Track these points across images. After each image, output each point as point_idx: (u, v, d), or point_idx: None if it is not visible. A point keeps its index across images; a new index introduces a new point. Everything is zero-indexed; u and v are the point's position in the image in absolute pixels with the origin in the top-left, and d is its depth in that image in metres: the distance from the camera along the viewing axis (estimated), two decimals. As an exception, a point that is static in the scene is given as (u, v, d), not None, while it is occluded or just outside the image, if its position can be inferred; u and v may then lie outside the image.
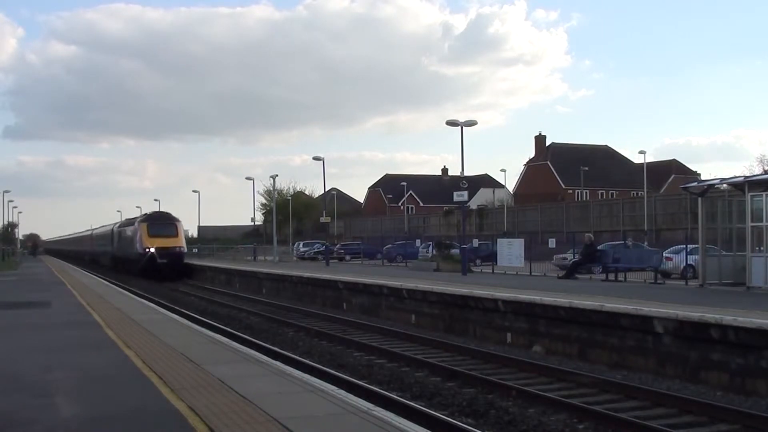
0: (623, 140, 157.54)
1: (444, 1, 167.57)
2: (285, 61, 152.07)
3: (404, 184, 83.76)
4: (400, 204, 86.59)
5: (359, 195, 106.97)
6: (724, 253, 19.84)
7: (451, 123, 30.00)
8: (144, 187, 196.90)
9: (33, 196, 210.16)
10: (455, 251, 33.11)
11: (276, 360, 10.90)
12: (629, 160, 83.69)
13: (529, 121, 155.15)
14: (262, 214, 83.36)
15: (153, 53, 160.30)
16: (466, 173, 30.90)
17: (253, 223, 70.75)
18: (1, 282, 31.34)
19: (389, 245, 48.17)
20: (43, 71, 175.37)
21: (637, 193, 61.89)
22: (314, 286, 28.83)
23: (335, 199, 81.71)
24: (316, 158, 47.21)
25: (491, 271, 29.99)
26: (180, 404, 7.21)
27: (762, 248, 18.15)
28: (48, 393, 7.95)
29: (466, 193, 29.02)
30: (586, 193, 76.04)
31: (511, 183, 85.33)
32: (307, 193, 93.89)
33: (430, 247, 41.11)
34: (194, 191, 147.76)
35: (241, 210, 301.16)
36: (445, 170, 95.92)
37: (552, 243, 36.23)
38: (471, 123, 30.24)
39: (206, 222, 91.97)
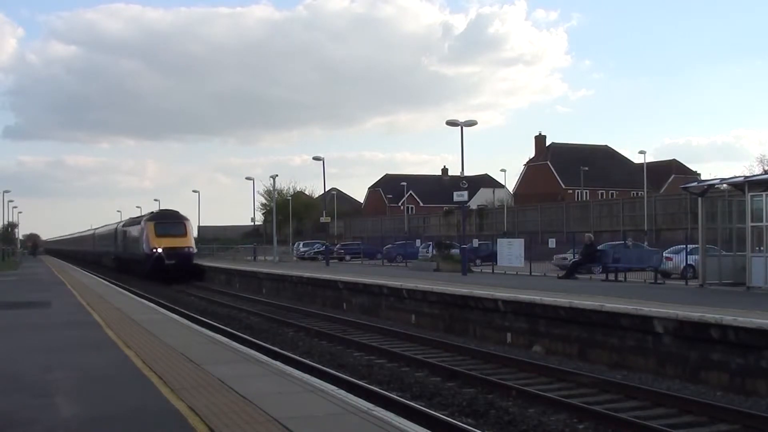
0: (623, 140, 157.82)
1: (444, 1, 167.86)
2: (285, 61, 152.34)
3: (404, 184, 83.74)
4: (400, 204, 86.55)
5: (359, 195, 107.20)
6: (724, 253, 19.84)
7: (451, 123, 30.00)
8: (144, 187, 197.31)
9: (33, 196, 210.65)
10: (455, 251, 33.11)
11: (276, 360, 10.90)
12: (629, 160, 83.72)
13: (529, 121, 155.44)
14: (262, 214, 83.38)
15: (153, 53, 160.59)
16: (466, 173, 30.92)
17: (253, 223, 70.79)
18: (1, 282, 31.34)
19: (389, 245, 48.15)
20: (43, 71, 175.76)
21: (637, 193, 61.88)
22: (314, 286, 28.83)
23: (335, 199, 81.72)
24: (316, 158, 47.31)
25: (491, 271, 29.99)
26: (180, 404, 7.21)
27: (762, 248, 18.15)
28: (48, 393, 7.95)
29: (466, 193, 29.02)
30: (586, 193, 76.02)
31: (511, 183, 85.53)
32: (307, 193, 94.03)
33: (430, 247, 41.10)
34: (194, 191, 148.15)
35: (241, 210, 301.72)
36: (445, 170, 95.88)
37: (552, 243, 36.22)
38: (471, 123, 30.26)
39: (206, 222, 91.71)
